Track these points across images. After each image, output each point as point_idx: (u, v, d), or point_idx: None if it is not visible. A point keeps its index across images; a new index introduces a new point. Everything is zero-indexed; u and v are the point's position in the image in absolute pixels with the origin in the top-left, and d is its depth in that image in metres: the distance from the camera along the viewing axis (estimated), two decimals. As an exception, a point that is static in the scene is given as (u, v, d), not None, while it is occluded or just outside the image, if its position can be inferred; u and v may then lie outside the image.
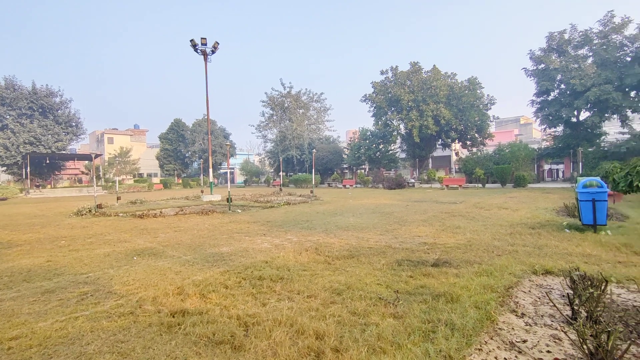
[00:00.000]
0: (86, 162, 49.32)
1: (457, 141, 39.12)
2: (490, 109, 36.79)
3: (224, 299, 3.89)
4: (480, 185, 31.60)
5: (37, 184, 41.95)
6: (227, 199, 15.04)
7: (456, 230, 8.26)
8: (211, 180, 23.22)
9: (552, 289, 4.14)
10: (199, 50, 21.13)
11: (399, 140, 41.63)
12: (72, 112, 45.14)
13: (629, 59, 29.23)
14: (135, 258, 6.10)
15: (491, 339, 2.90)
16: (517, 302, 3.70)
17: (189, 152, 56.80)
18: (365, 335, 2.88)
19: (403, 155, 43.80)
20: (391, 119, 38.59)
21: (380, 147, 41.23)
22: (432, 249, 6.31)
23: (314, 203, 17.37)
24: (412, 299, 3.74)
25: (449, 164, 48.42)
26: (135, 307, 3.73)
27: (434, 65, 36.77)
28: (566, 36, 31.77)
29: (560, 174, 44.31)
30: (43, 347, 2.90)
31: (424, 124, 34.31)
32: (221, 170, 63.09)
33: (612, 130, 33.93)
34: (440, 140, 38.89)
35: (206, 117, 23.60)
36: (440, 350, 2.60)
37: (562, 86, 32.04)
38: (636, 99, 29.82)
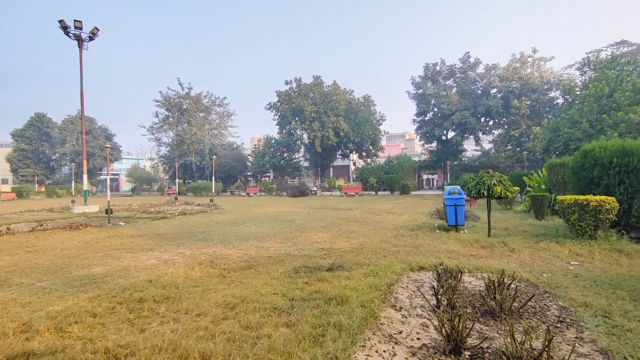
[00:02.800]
0: None
1: (354, 152, 42.61)
2: (381, 124, 41.41)
3: (90, 331, 3.27)
4: (373, 192, 35.00)
5: None
6: (107, 210, 12.94)
7: (351, 235, 8.89)
8: (85, 188, 19.64)
9: (424, 282, 4.79)
10: (71, 35, 17.84)
11: (302, 150, 43.01)
12: None
13: (480, 92, 36.92)
14: (-41, 291, 4.64)
15: (374, 334, 3.16)
16: (397, 297, 4.15)
17: (56, 154, 47.20)
18: (255, 349, 2.79)
19: (306, 164, 45.38)
20: (295, 129, 39.65)
21: (285, 155, 41.85)
22: (328, 254, 6.61)
23: (213, 212, 16.40)
24: (306, 305, 3.81)
25: (348, 173, 52.25)
26: (-51, 357, 2.80)
27: (334, 81, 39.53)
28: (438, 68, 38.27)
29: (435, 183, 52.59)
30: None
31: (326, 135, 36.33)
32: (102, 177, 54.28)
33: (470, 148, 42.09)
34: (340, 150, 41.75)
35: (81, 113, 19.95)
36: (327, 353, 2.69)
37: (435, 109, 38.32)
38: (484, 124, 37.78)
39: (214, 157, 30.92)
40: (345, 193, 32.47)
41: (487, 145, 39.54)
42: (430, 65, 38.48)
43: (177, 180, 35.56)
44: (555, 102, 33.76)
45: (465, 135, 38.03)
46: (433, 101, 37.57)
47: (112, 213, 13.40)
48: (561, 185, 11.66)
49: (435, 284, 4.36)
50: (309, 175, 49.28)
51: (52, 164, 48.55)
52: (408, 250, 6.76)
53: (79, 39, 18.19)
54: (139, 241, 8.52)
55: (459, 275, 4.27)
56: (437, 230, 9.19)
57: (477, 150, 39.18)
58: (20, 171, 45.91)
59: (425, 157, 44.48)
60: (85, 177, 19.90)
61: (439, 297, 3.77)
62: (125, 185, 58.69)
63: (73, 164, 43.94)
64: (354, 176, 47.16)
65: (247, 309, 3.70)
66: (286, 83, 40.13)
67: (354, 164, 46.81)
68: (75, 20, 17.78)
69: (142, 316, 3.62)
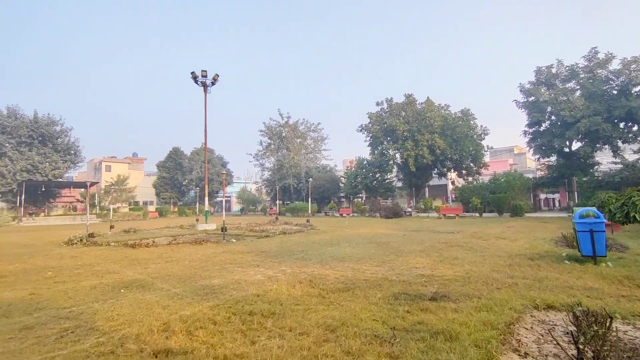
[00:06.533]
0: (82, 190, 49.06)
1: (452, 170, 39.52)
2: (484, 139, 37.52)
3: (212, 337, 3.69)
4: (477, 214, 31.50)
5: (31, 212, 41.38)
6: (222, 228, 14.81)
7: (454, 261, 8.09)
8: (207, 209, 23.04)
9: (555, 325, 3.97)
10: (199, 82, 21.76)
11: (395, 170, 41.97)
12: (71, 140, 45.62)
13: (615, 92, 30.30)
14: (122, 291, 5.86)
15: (493, 382, 2.73)
16: (520, 340, 3.53)
17: (185, 180, 56.82)
18: (359, 378, 2.70)
19: (400, 184, 44.00)
20: (387, 149, 39.10)
21: (377, 176, 41.49)
22: (429, 281, 6.13)
23: (310, 232, 17.15)
24: (409, 336, 3.56)
25: (445, 193, 48.54)
26: (116, 345, 3.52)
27: (428, 97, 37.93)
28: (553, 70, 33.13)
29: (557, 204, 44.42)
30: (11, 392, 2.68)
31: (420, 154, 34.79)
32: (217, 199, 62.84)
33: (605, 160, 34.46)
34: (436, 169, 39.23)
35: (204, 145, 23.85)
36: (439, 396, 2.42)
37: (553, 117, 32.96)
38: (625, 130, 30.61)
39: (310, 179, 32.73)
40: (444, 214, 30.07)
41: (632, 157, 31.76)
42: (544, 68, 33.58)
43: (277, 202, 38.71)
44: None
45: (597, 145, 31.41)
46: (549, 109, 32.43)
47: (226, 231, 15.27)
48: None
49: (572, 328, 3.55)
50: (403, 196, 47.54)
51: (183, 188, 58.68)
52: (528, 284, 5.76)
53: (204, 86, 22.05)
54: (247, 257, 9.44)
55: (608, 320, 3.40)
56: (567, 261, 7.63)
57: (615, 163, 31.79)
58: (161, 195, 56.90)
59: (542, 173, 38.22)
60: (206, 199, 23.42)
61: (580, 346, 3.05)
62: (235, 206, 66.59)
63: (197, 188, 52.25)
64: (453, 196, 43.42)
65: (348, 334, 3.66)
66: (377, 104, 40.37)
67: (453, 183, 43.24)
68: (202, 70, 21.71)
69: (253, 329, 3.92)
